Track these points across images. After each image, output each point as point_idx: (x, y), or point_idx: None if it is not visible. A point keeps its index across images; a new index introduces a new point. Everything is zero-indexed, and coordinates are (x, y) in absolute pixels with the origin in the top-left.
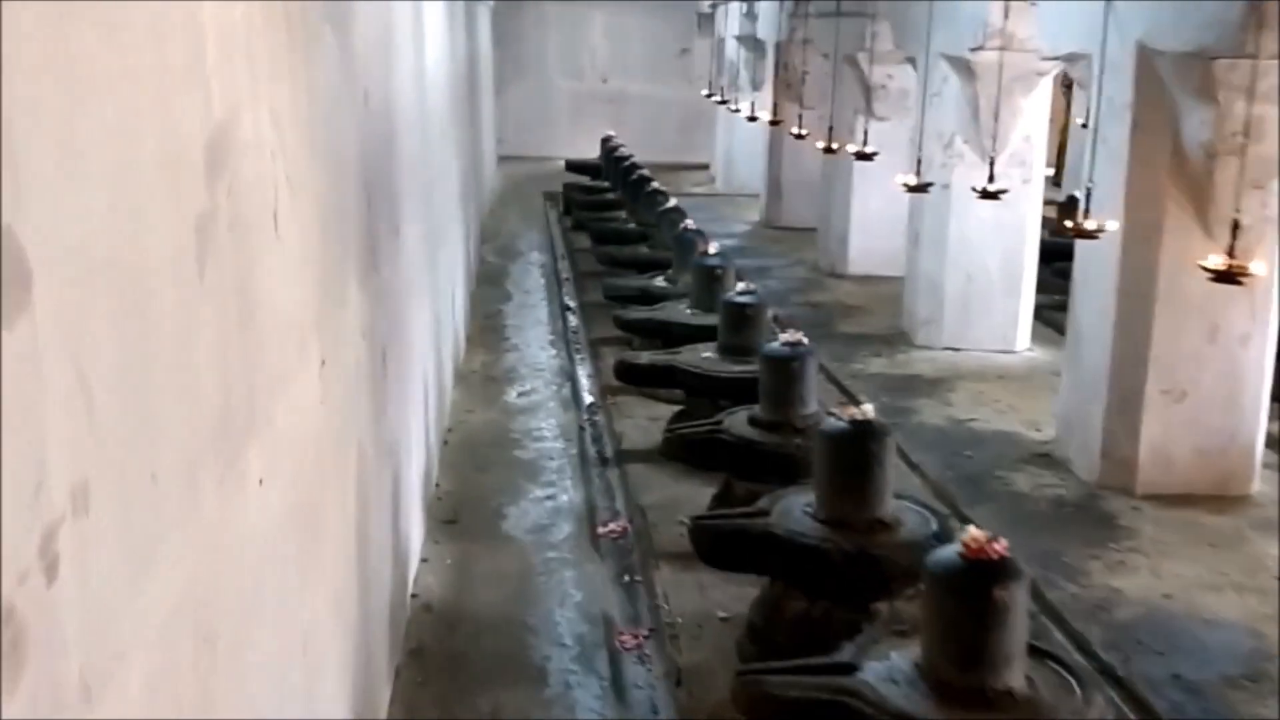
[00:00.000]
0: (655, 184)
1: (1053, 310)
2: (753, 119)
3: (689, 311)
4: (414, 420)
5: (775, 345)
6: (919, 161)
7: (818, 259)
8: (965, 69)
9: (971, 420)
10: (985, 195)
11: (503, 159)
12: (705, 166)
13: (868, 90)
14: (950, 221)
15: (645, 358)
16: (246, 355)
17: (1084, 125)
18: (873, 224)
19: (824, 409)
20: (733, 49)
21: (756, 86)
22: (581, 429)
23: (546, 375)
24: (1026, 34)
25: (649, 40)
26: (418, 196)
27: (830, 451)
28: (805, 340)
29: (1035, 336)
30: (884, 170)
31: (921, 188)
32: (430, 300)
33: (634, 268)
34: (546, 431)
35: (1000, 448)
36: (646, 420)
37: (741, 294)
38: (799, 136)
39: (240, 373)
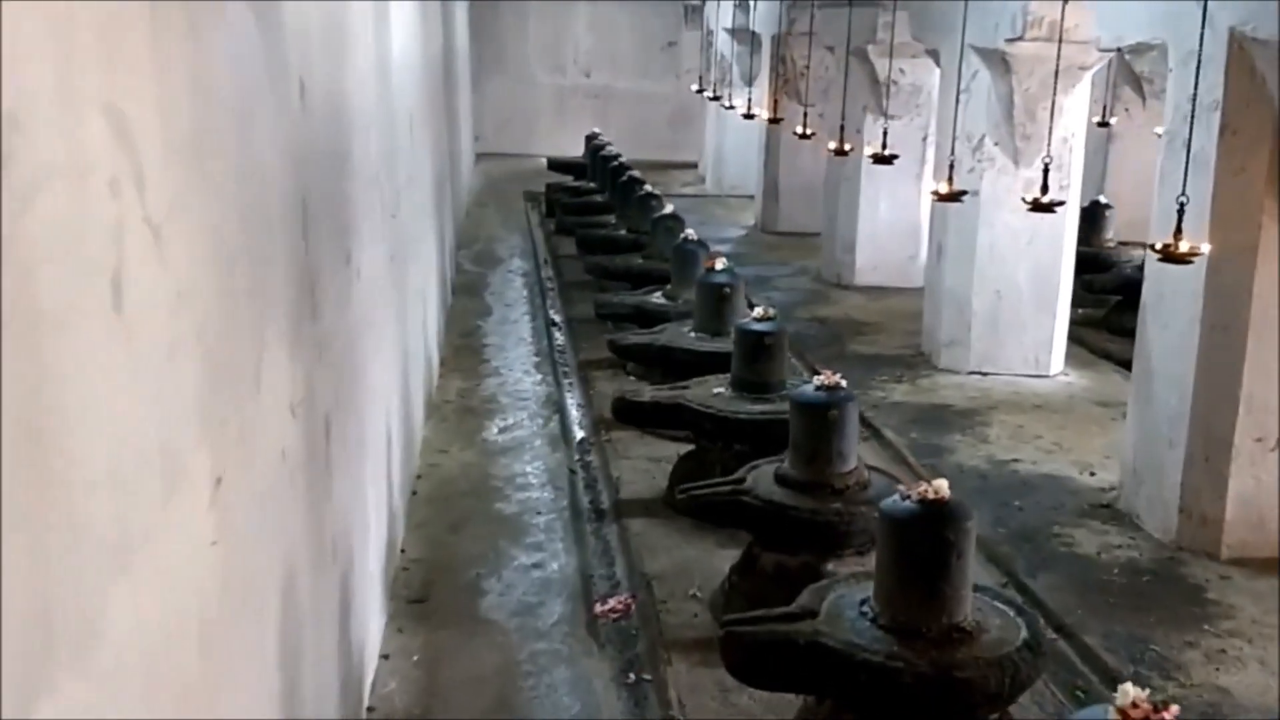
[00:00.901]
0: (648, 186)
1: (1081, 326)
2: (749, 116)
3: (693, 335)
4: (372, 490)
5: (809, 390)
6: (951, 167)
7: (821, 268)
8: (1000, 62)
9: (1015, 461)
10: (1037, 207)
11: (481, 156)
12: (693, 165)
13: (877, 86)
14: (979, 232)
15: (648, 394)
16: (34, 551)
17: (1101, 124)
18: (882, 231)
19: (864, 464)
20: (724, 42)
21: (749, 82)
22: (572, 472)
23: (531, 405)
24: (1072, 23)
25: (635, 33)
26: (380, 210)
27: (897, 540)
28: (843, 383)
29: (1067, 358)
30: (894, 173)
31: (954, 196)
32: (397, 331)
33: (626, 280)
34: (532, 477)
35: (1053, 496)
36: (647, 461)
37: (760, 321)
38: (804, 136)
39: (19, 588)
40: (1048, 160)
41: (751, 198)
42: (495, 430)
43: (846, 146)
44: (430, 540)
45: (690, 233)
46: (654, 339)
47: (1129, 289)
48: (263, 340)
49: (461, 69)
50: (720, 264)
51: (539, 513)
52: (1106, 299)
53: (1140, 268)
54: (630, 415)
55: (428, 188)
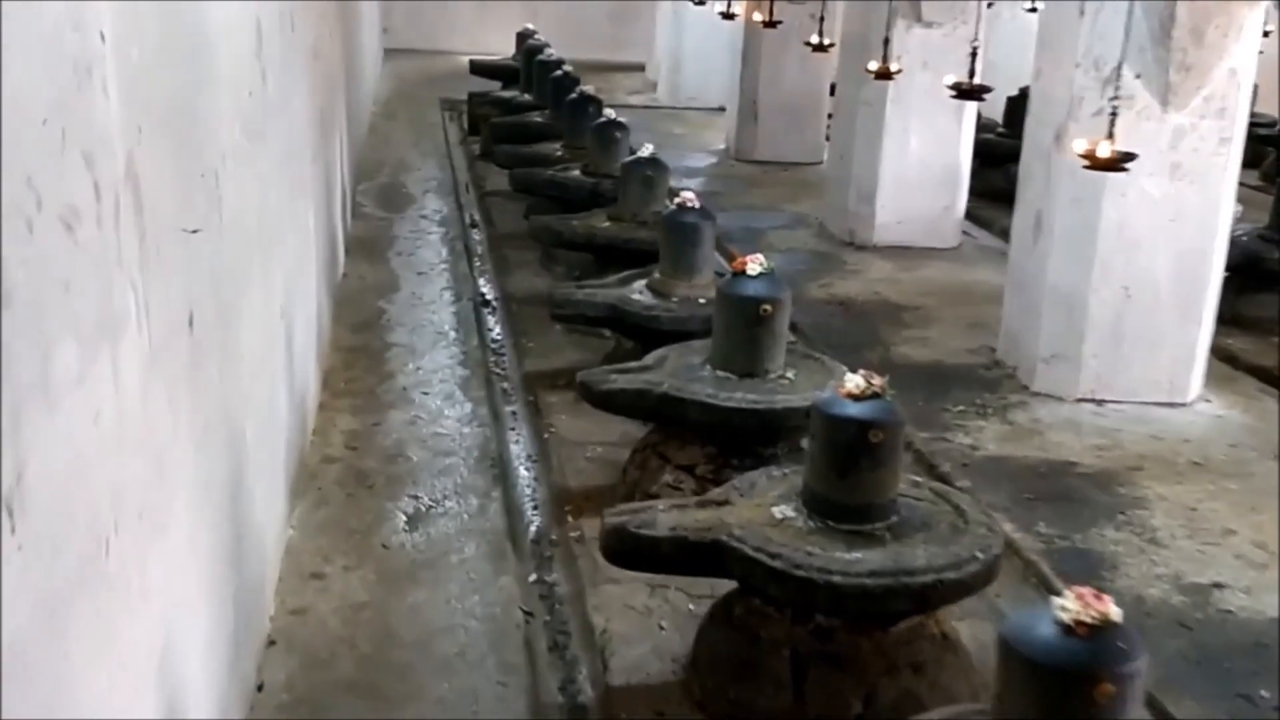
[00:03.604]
0: (610, 111)
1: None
2: (728, 16)
3: (712, 374)
4: None
5: (1041, 637)
6: (1113, 117)
7: (826, 219)
8: None
9: (1217, 587)
10: None
11: (390, 53)
12: (640, 67)
13: None
14: (1103, 204)
15: (663, 522)
16: None
17: None
18: (912, 175)
19: None
20: None
21: None
22: (528, 616)
23: (458, 466)
24: None
25: None
26: (135, 251)
27: None
28: (1112, 612)
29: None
30: (928, 99)
31: (1116, 163)
32: (200, 468)
33: (588, 250)
34: (463, 632)
35: None
36: (647, 594)
37: (857, 399)
38: (819, 48)
39: None
40: None
41: (715, 110)
42: (401, 523)
43: (893, 66)
44: None
45: (689, 196)
46: (652, 385)
47: (1248, 266)
48: None
49: None
50: (754, 265)
51: None
52: None
53: (1264, 237)
54: (635, 557)
55: (301, 126)
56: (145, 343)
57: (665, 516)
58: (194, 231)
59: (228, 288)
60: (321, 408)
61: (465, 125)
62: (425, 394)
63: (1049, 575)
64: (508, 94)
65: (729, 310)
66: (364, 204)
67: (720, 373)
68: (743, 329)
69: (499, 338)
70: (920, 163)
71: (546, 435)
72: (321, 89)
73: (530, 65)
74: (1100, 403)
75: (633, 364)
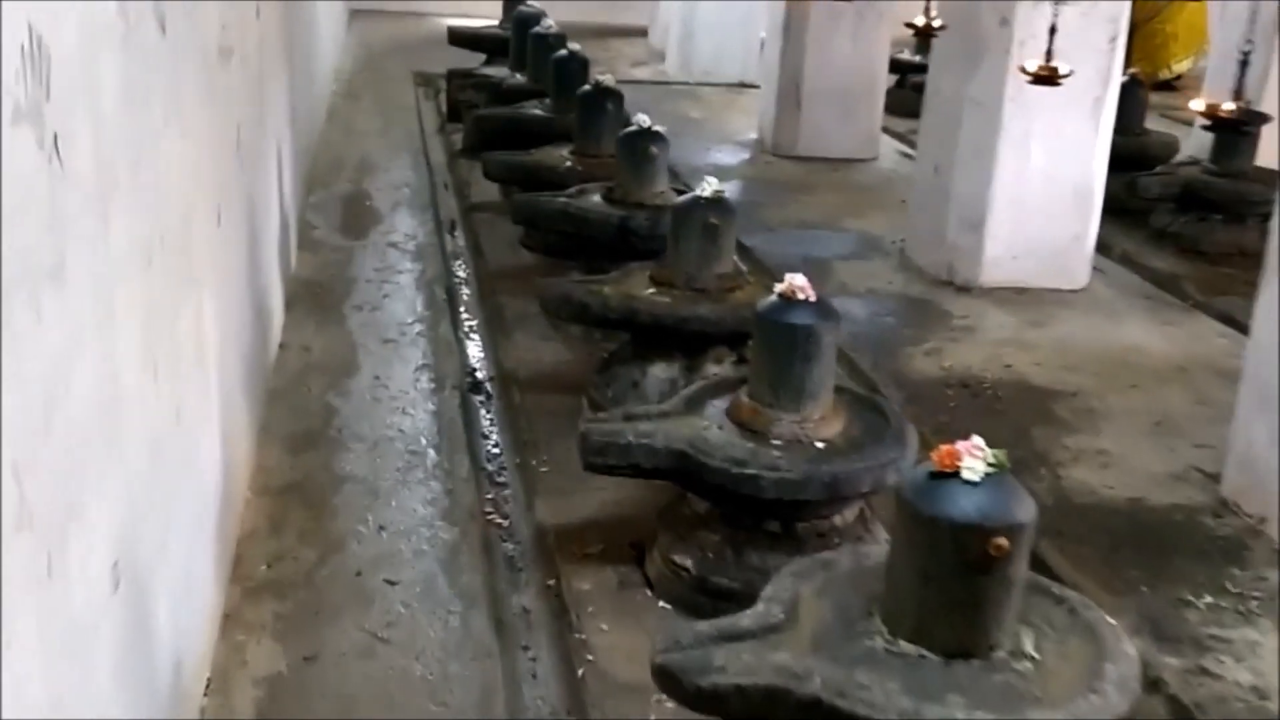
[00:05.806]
0: (642, 118)
1: None
2: None
3: (902, 648)
4: None
5: None
6: None
7: (913, 249)
8: None
9: None
10: None
11: (356, 15)
12: (642, 32)
13: None
14: None
15: None
16: None
17: None
18: (1032, 196)
19: None
20: None
21: None
22: None
23: None
24: None
25: None
26: None
27: None
28: None
29: None
30: (1057, 99)
31: None
32: None
33: (626, 328)
34: None
35: None
36: None
37: None
38: (927, 32)
39: None
40: None
41: (735, 87)
42: None
43: (1062, 68)
44: None
45: (798, 283)
46: (793, 681)
47: None
48: None
49: None
50: (974, 463)
51: None
52: None
53: None
54: None
55: (191, 176)
56: None
57: None
58: None
59: None
60: (227, 619)
61: (444, 109)
62: (391, 583)
63: None
64: (495, 73)
65: (928, 546)
66: (315, 225)
67: (908, 647)
68: (956, 581)
69: (497, 451)
70: (1045, 179)
71: (581, 671)
72: (240, 97)
73: (524, 39)
74: None
75: (745, 622)
